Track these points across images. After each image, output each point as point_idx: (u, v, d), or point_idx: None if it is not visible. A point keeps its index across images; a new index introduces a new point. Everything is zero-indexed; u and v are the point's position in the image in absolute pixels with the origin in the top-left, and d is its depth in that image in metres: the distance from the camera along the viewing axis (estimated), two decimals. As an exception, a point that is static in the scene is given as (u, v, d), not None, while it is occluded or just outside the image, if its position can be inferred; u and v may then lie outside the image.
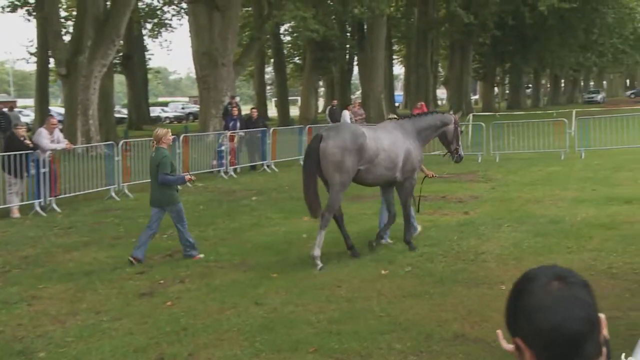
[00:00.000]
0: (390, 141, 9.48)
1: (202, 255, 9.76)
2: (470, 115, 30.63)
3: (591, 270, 8.16)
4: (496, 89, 75.13)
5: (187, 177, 10.31)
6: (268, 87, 68.04)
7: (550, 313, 1.65)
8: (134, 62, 46.30)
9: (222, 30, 29.21)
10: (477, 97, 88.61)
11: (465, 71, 55.25)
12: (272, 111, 61.99)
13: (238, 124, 21.02)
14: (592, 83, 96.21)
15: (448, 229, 10.96)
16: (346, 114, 25.42)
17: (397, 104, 66.32)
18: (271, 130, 21.94)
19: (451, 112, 10.88)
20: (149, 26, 49.35)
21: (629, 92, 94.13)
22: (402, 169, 9.61)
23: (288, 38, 58.55)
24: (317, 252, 8.99)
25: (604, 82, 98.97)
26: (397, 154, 9.49)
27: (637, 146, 21.39)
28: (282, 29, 52.26)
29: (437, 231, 10.90)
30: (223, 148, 19.85)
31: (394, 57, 74.62)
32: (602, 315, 1.71)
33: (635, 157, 19.71)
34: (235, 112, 21.39)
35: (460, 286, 7.85)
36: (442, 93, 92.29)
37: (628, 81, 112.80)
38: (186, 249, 9.82)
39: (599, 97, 73.94)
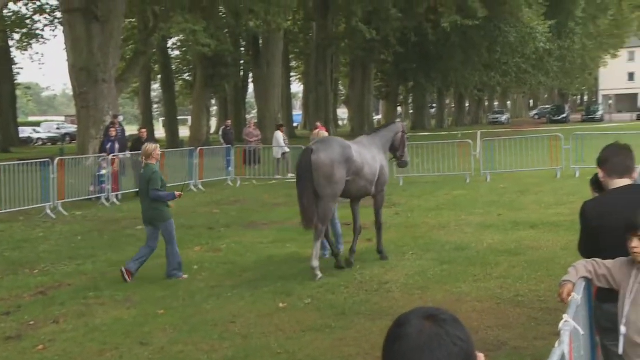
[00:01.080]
0: (371, 155, 10.72)
1: (186, 276, 10.24)
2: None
3: (497, 299, 8.46)
4: (399, 108, 77.15)
5: (177, 193, 10.78)
6: (155, 106, 67.11)
7: (425, 353, 1.76)
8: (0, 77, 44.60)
9: (102, 43, 28.60)
10: (380, 117, 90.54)
11: (367, 90, 56.34)
12: (160, 132, 61.14)
13: (117, 146, 20.56)
14: (496, 103, 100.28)
15: (350, 258, 11.08)
16: (279, 135, 25.65)
17: (295, 124, 66.83)
18: (158, 152, 21.58)
19: (399, 121, 12.42)
20: (17, 37, 47.66)
21: (533, 113, 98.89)
22: (377, 183, 10.83)
23: (177, 53, 58.12)
24: (315, 263, 9.92)
25: (508, 103, 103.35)
26: (376, 168, 10.74)
27: (542, 169, 22.43)
28: (169, 43, 51.80)
29: (339, 260, 11.00)
30: (103, 172, 19.35)
31: (292, 74, 75.41)
32: (481, 355, 1.85)
33: (540, 181, 20.65)
34: (113, 133, 20.91)
35: (363, 318, 7.94)
36: (343, 113, 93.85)
37: (532, 101, 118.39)
38: (171, 269, 10.25)
39: (504, 117, 77.34)
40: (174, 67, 57.51)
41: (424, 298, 8.66)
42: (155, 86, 67.03)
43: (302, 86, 76.85)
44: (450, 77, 58.46)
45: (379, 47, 51.09)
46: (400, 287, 9.25)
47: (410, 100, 75.89)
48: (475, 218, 14.60)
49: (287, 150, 25.64)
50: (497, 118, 76.88)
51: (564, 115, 71.61)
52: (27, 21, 44.58)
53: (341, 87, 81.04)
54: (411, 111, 79.35)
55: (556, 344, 3.06)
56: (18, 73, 53.80)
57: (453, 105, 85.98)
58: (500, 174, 22.18)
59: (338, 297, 8.87)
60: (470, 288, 9.00)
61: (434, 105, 79.83)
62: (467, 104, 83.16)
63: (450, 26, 40.98)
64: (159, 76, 55.64)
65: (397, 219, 15.04)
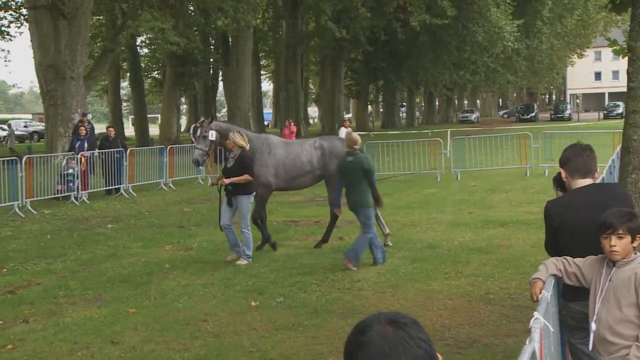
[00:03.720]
0: None
1: (353, 268, 10.09)
2: (344, 135, 31.26)
3: (469, 297, 8.53)
4: (370, 107, 77.34)
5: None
6: (124, 104, 66.58)
7: (392, 358, 1.76)
8: (-34, 74, 43.91)
9: (69, 40, 28.29)
10: (350, 115, 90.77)
11: (337, 88, 56.40)
12: (130, 130, 60.67)
13: (86, 145, 20.38)
14: (466, 102, 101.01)
15: (322, 256, 11.10)
16: (343, 131, 25.58)
17: (266, 123, 66.74)
18: (128, 150, 21.45)
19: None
20: (-19, 34, 47.00)
21: (502, 112, 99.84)
22: None
23: (145, 50, 57.69)
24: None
25: (478, 102, 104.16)
26: None
27: (512, 167, 22.67)
28: (138, 41, 51.39)
29: (311, 258, 11.02)
30: (70, 171, 19.17)
31: (262, 72, 75.21)
32: (439, 356, 1.86)
33: (509, 179, 20.86)
34: (83, 132, 20.72)
35: (335, 317, 7.96)
36: (313, 111, 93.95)
37: (501, 100, 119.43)
38: (352, 254, 10.28)
39: (473, 116, 77.91)
40: (143, 65, 57.08)
41: (396, 296, 8.71)
42: (125, 84, 66.45)
43: (273, 84, 76.76)
44: (419, 75, 58.77)
45: (348, 46, 51.19)
46: (371, 285, 9.29)
47: (380, 99, 76.12)
48: (446, 216, 14.71)
49: None
50: (466, 117, 77.45)
51: (533, 114, 72.38)
52: (-8, 17, 43.94)
53: (311, 86, 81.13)
54: (381, 110, 79.62)
55: (527, 341, 3.10)
56: (-16, 70, 53.03)
57: (423, 104, 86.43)
58: (470, 172, 22.36)
59: (310, 296, 8.89)
60: (442, 286, 9.07)
61: (404, 103, 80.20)
62: (437, 103, 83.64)
63: (419, 25, 41.19)
64: (128, 74, 55.18)
65: (368, 217, 15.06)
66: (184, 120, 68.14)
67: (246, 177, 10.68)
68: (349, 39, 45.93)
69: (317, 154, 12.09)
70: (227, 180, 10.73)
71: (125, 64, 54.05)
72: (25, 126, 65.47)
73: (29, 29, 29.95)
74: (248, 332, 7.50)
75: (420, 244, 11.79)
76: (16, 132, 61.67)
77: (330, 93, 56.05)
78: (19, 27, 63.49)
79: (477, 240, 11.96)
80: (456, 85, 68.38)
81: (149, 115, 57.61)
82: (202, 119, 12.10)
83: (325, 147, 12.14)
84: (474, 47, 50.23)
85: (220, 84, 56.72)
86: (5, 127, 63.49)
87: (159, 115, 57.97)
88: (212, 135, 11.59)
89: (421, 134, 39.46)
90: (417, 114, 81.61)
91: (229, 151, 11.21)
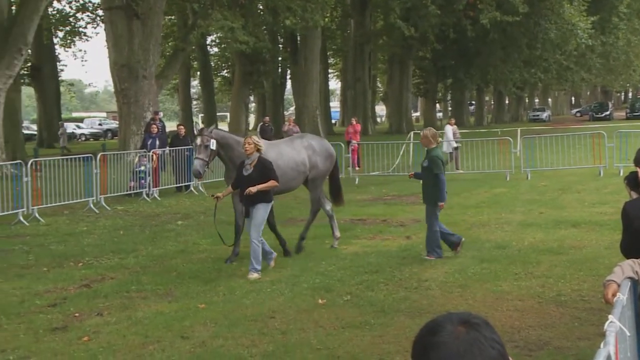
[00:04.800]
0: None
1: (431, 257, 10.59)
2: (411, 133, 31.14)
3: (539, 298, 8.38)
4: (438, 105, 76.65)
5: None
6: (194, 102, 67.65)
7: (465, 359, 1.73)
8: (44, 74, 45.28)
9: (142, 40, 28.92)
10: (418, 114, 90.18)
11: (405, 87, 56.13)
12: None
13: (158, 142, 20.73)
14: (537, 101, 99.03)
15: (389, 255, 11.06)
16: (449, 129, 24.64)
17: (333, 121, 66.86)
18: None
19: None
20: (60, 34, 48.43)
21: (574, 111, 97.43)
22: None
23: (215, 50, 58.50)
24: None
25: (549, 100, 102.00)
26: None
27: (584, 167, 22.13)
28: (208, 40, 52.17)
29: (378, 257, 10.99)
30: (142, 168, 19.58)
31: (330, 71, 75.46)
32: (510, 358, 1.83)
33: (581, 179, 20.38)
34: (155, 130, 21.08)
35: (402, 316, 7.92)
36: (381, 110, 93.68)
37: (573, 99, 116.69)
38: (432, 249, 10.72)
39: (545, 115, 76.21)
40: (212, 63, 57.88)
41: (464, 296, 8.62)
42: (195, 83, 67.51)
43: (340, 83, 76.84)
44: (489, 73, 57.96)
45: (417, 44, 50.86)
46: (439, 285, 9.21)
47: (448, 98, 75.41)
48: (515, 216, 14.47)
49: (456, 144, 24.15)
50: (537, 115, 75.78)
51: (607, 113, 70.32)
52: (70, 19, 45.26)
53: (379, 84, 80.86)
54: (450, 108, 78.84)
55: (601, 345, 3.03)
56: (62, 70, 54.65)
57: (492, 103, 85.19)
58: (541, 172, 21.95)
59: (377, 294, 8.87)
60: (511, 287, 8.93)
61: (473, 102, 79.18)
62: (506, 101, 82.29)
63: (490, 23, 40.65)
64: (198, 73, 56.06)
65: (436, 216, 14.94)
66: (252, 118, 68.81)
67: (272, 182, 10.06)
68: (418, 37, 45.63)
69: (308, 153, 11.75)
70: (254, 189, 9.87)
71: (195, 63, 54.93)
72: (99, 124, 67.28)
73: (105, 30, 30.80)
74: (315, 330, 7.53)
75: (489, 244, 11.63)
76: (91, 130, 63.50)
77: (397, 91, 55.83)
78: (95, 28, 64.97)
79: (547, 240, 11.73)
80: (527, 83, 67.12)
81: (218, 114, 58.42)
82: (201, 126, 11.85)
83: (315, 146, 11.90)
84: (545, 45, 49.31)
85: (289, 83, 57.17)
86: (81, 124, 65.40)
87: (228, 114, 58.68)
88: (213, 144, 11.14)
89: (490, 132, 38.88)
90: (486, 112, 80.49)
91: (237, 159, 10.84)
